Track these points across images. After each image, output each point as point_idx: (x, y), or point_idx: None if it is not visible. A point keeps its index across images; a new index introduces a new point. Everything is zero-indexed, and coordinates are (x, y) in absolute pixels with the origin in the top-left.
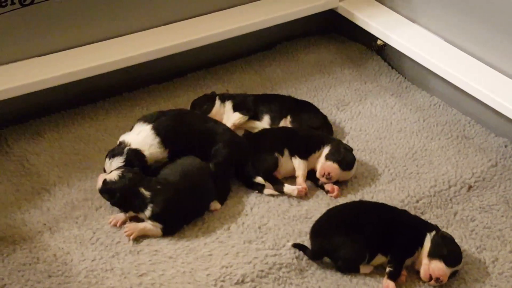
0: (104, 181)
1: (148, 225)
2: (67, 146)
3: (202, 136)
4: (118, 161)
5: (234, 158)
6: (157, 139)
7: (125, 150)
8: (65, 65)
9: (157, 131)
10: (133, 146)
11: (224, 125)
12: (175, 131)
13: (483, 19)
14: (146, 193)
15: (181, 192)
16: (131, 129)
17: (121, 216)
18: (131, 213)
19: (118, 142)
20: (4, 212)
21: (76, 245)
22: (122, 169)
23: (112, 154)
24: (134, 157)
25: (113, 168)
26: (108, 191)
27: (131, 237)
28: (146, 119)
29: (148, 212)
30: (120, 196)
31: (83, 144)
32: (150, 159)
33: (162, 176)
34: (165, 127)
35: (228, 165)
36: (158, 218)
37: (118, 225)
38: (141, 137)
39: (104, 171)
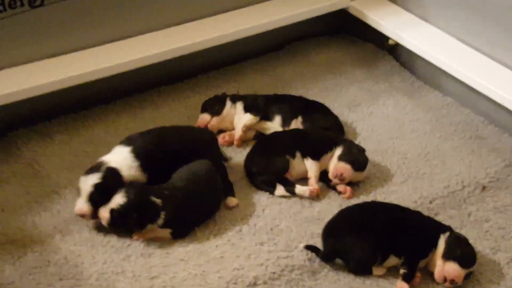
0: (112, 211)
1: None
2: (77, 148)
3: (182, 155)
4: (95, 178)
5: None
6: (136, 163)
7: (103, 167)
8: (75, 67)
9: (136, 154)
10: (112, 165)
11: (208, 133)
12: (155, 154)
13: (496, 18)
14: (158, 201)
15: (189, 195)
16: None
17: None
18: (150, 226)
19: (96, 162)
20: (15, 215)
21: (87, 248)
22: (124, 189)
23: (89, 170)
24: (111, 176)
25: (88, 185)
26: (123, 216)
27: (141, 240)
28: (125, 142)
29: (160, 220)
30: (137, 214)
31: (93, 146)
32: (128, 179)
33: (171, 181)
34: (144, 151)
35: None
36: (169, 224)
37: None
38: (120, 159)
39: (78, 194)
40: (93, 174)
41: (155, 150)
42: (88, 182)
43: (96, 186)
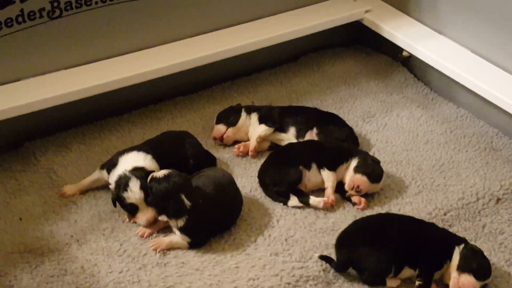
0: (152, 176)
1: (174, 239)
2: (93, 158)
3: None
4: (136, 184)
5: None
6: (149, 156)
7: (130, 172)
8: (92, 78)
9: (145, 150)
10: (131, 166)
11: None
12: (162, 148)
13: (510, 29)
14: (187, 202)
15: (217, 208)
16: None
17: (148, 227)
18: (164, 218)
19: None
20: (32, 224)
21: (103, 257)
22: (170, 171)
23: (123, 185)
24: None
25: (138, 193)
26: (151, 188)
27: (157, 251)
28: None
29: (181, 222)
30: (161, 197)
31: (109, 156)
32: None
33: (198, 186)
34: (151, 147)
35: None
36: (188, 232)
37: (145, 236)
38: (132, 158)
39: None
40: (133, 182)
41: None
42: (136, 190)
43: (144, 189)
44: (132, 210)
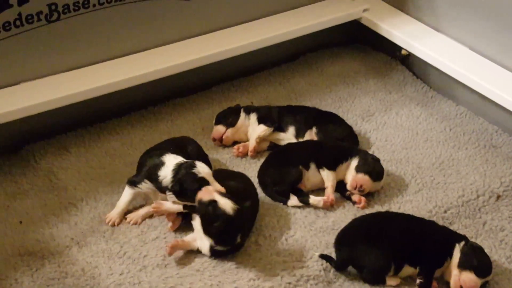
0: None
1: (193, 243)
2: (93, 161)
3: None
4: (202, 164)
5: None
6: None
7: (188, 163)
8: (90, 80)
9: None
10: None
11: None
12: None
13: (508, 26)
14: (238, 240)
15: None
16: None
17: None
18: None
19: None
20: (33, 227)
21: (103, 259)
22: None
23: (189, 167)
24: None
25: (207, 169)
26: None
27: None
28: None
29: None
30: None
31: (109, 158)
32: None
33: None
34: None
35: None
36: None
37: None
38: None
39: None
40: (197, 163)
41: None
42: (204, 165)
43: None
44: (202, 186)
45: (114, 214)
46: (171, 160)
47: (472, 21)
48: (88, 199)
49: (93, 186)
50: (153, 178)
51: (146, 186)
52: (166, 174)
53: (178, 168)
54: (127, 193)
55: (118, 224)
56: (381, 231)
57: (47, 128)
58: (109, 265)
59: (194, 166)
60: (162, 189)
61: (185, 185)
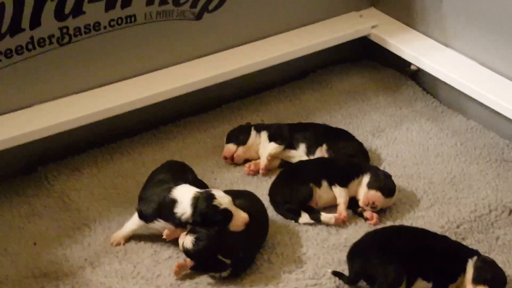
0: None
1: None
2: (106, 181)
3: None
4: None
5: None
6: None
7: (204, 192)
8: (102, 102)
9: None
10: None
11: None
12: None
13: None
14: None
15: (253, 236)
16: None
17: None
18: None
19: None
20: (46, 249)
21: (117, 279)
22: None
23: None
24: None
25: (227, 197)
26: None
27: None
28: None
29: (224, 274)
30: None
31: (121, 178)
32: None
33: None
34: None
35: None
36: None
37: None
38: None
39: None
40: (215, 191)
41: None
42: (224, 194)
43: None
44: (227, 217)
45: (119, 235)
46: (184, 194)
47: (480, 36)
48: (101, 220)
49: (106, 207)
50: (168, 216)
51: (159, 224)
52: (184, 210)
53: (196, 201)
54: (136, 223)
55: (123, 244)
56: (393, 245)
57: (60, 150)
58: (122, 285)
59: (213, 197)
60: (181, 224)
61: (209, 218)
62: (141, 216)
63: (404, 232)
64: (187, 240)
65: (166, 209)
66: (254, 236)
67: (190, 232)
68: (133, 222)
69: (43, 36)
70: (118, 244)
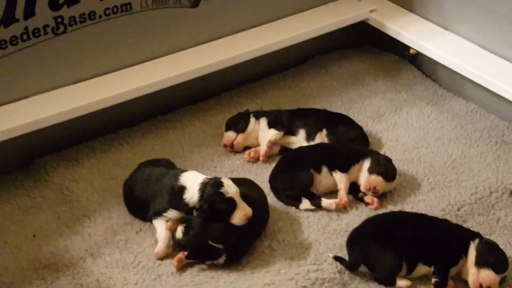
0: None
1: None
2: (105, 172)
3: None
4: (228, 181)
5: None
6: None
7: (213, 179)
8: (99, 91)
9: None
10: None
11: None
12: None
13: None
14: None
15: (252, 230)
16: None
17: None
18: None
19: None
20: (47, 240)
21: (118, 270)
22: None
23: (216, 185)
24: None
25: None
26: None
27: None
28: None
29: (221, 260)
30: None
31: (120, 168)
32: None
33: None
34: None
35: None
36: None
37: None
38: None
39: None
40: (225, 180)
41: None
42: (232, 184)
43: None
44: (230, 206)
45: (161, 248)
46: (193, 180)
47: (479, 18)
48: (101, 210)
49: (106, 197)
50: (178, 204)
51: (173, 214)
52: (192, 195)
53: (204, 187)
54: (159, 224)
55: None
56: (392, 230)
57: (58, 141)
58: (123, 275)
59: (222, 185)
60: (189, 211)
61: (214, 205)
62: (156, 214)
63: (403, 218)
64: (178, 230)
65: (176, 197)
66: (249, 222)
67: (181, 222)
68: (157, 226)
69: (38, 26)
70: (165, 255)
